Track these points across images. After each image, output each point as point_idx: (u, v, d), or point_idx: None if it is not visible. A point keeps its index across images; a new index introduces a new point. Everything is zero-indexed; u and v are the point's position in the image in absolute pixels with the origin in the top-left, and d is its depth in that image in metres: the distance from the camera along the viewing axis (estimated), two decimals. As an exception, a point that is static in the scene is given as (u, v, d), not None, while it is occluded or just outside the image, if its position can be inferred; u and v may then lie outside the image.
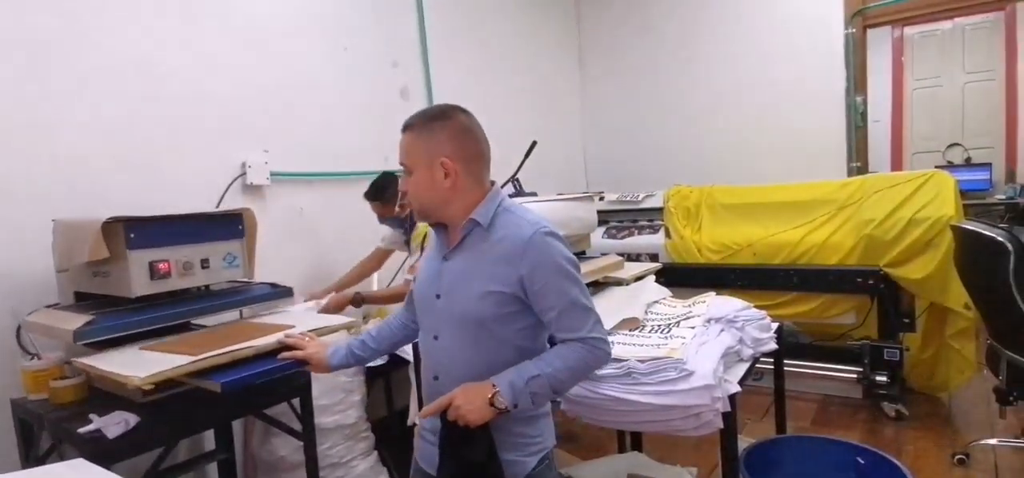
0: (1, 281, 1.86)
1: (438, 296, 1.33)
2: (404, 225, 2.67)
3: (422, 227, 2.54)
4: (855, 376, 3.30)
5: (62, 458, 1.62)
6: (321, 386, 2.27)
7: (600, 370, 1.68)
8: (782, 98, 4.32)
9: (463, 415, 1.21)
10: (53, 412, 1.63)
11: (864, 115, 4.18)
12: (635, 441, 2.62)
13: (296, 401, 1.93)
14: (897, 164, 6.10)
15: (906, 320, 3.21)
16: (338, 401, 2.35)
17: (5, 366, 1.82)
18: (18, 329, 1.82)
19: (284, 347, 1.63)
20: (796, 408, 3.23)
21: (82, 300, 1.87)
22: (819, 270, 3.34)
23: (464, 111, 1.35)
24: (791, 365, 3.42)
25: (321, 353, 1.56)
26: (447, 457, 1.28)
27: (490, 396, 1.21)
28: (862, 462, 1.75)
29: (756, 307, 2.09)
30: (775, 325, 2.11)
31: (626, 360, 1.66)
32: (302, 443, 1.94)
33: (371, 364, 2.44)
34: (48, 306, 1.87)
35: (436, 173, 1.28)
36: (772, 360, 2.18)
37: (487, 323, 1.28)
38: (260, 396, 1.86)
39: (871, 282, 3.16)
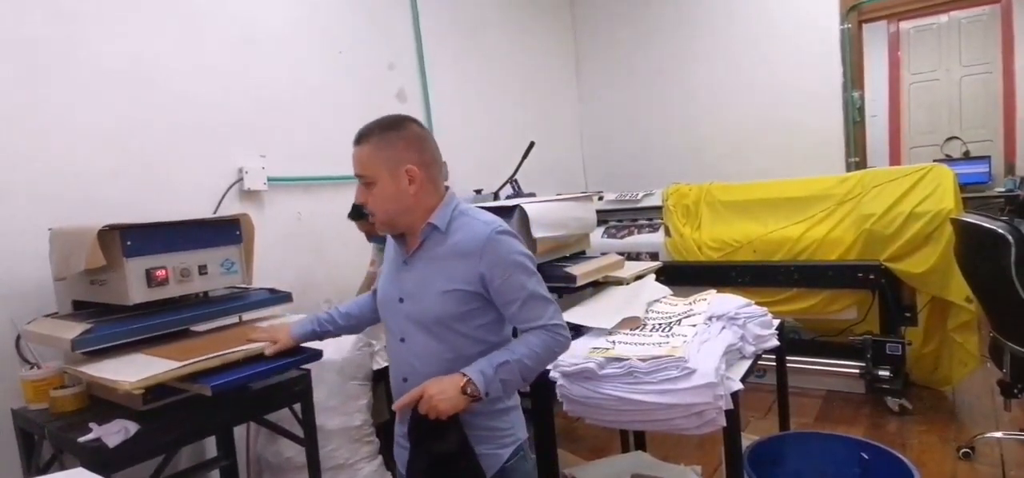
0: (0, 290, 1.85)
1: (401, 299, 1.37)
2: None
3: None
4: (858, 371, 3.30)
5: (64, 467, 1.61)
6: (326, 389, 2.26)
7: (602, 370, 1.67)
8: (779, 95, 4.32)
9: (435, 406, 1.22)
10: (53, 421, 1.62)
11: (862, 110, 4.18)
12: (638, 440, 2.61)
13: (297, 406, 1.93)
14: (896, 158, 6.10)
15: (908, 314, 3.21)
16: (343, 404, 2.34)
17: (5, 375, 1.81)
18: (17, 338, 1.82)
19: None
20: (799, 404, 3.22)
21: (80, 308, 1.86)
22: (819, 266, 3.34)
23: (415, 120, 1.39)
24: (793, 361, 3.41)
25: (283, 331, 1.64)
26: (418, 452, 1.28)
27: (462, 385, 1.24)
28: (866, 457, 1.74)
29: (757, 304, 2.08)
30: (776, 321, 2.11)
31: (627, 359, 1.66)
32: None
33: (375, 367, 2.46)
34: (47, 315, 1.86)
35: (401, 182, 1.31)
36: (774, 357, 2.17)
37: (450, 321, 1.32)
38: (261, 401, 1.86)
39: (872, 277, 3.16)
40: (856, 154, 4.20)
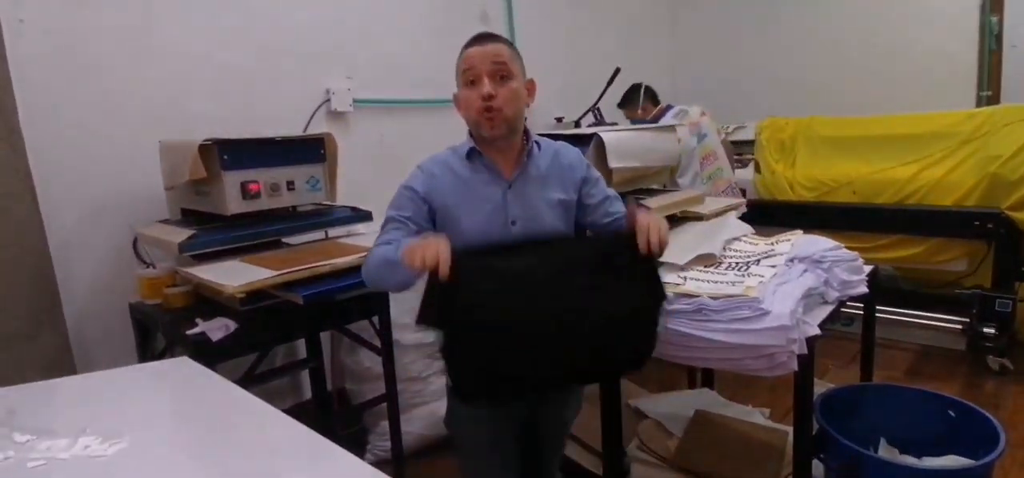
0: (120, 196, 2.06)
1: (513, 223, 1.36)
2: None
3: None
4: (960, 327, 3.05)
5: (174, 357, 1.82)
6: (402, 306, 2.38)
7: (670, 305, 1.64)
8: (903, 16, 3.87)
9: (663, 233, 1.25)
10: (166, 316, 1.83)
11: (999, 37, 3.68)
12: (706, 378, 2.58)
13: (376, 319, 2.05)
14: (1039, 94, 5.36)
15: (1026, 269, 2.91)
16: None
17: (124, 273, 2.04)
18: (135, 240, 2.03)
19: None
20: (891, 357, 3.05)
21: (187, 215, 2.05)
22: (929, 211, 3.07)
23: None
24: (889, 312, 3.22)
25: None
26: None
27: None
28: (952, 414, 1.63)
29: (853, 249, 1.95)
30: (868, 268, 1.97)
31: (698, 296, 1.62)
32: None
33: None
34: (159, 220, 2.06)
35: (523, 90, 1.35)
36: (863, 305, 2.05)
37: (561, 231, 1.41)
38: (344, 312, 1.99)
39: (990, 226, 2.87)
40: (989, 87, 3.73)
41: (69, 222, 1.96)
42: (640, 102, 3.25)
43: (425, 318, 1.16)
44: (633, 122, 3.31)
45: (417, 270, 1.13)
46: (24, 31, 1.85)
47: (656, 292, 1.33)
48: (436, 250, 1.11)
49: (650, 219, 1.25)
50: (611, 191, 1.52)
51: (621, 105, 3.32)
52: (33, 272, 1.74)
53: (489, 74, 1.30)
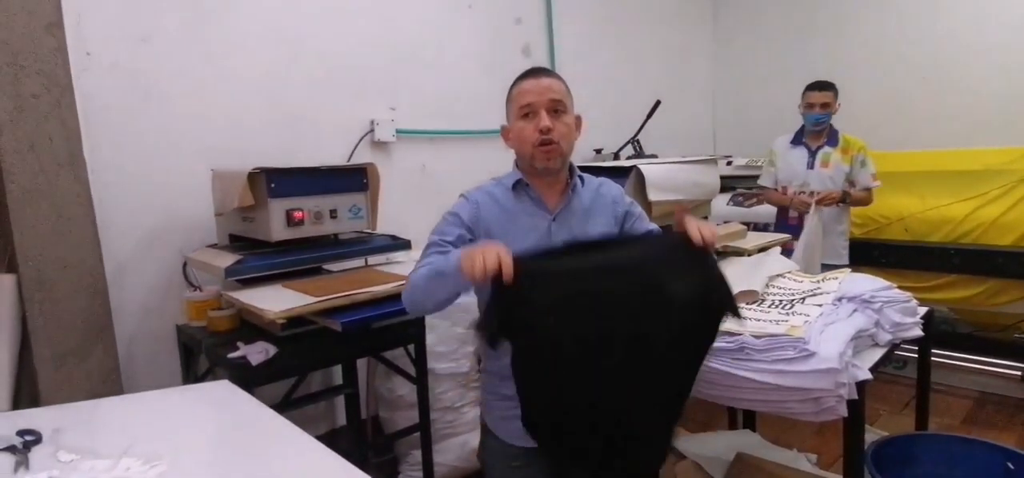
0: (172, 222, 2.14)
1: None
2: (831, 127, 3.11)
3: (858, 141, 3.03)
4: (1019, 373, 2.89)
5: (216, 379, 1.86)
6: (437, 335, 2.39)
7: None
8: (954, 49, 3.74)
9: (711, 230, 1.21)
10: (209, 338, 1.88)
11: (1059, 71, 3.52)
12: (747, 419, 2.49)
13: (411, 347, 2.06)
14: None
15: (1096, 314, 2.74)
16: (453, 350, 2.46)
17: (174, 295, 2.11)
18: (184, 264, 2.10)
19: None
20: (946, 403, 2.90)
21: (234, 241, 2.11)
22: (988, 251, 2.94)
23: None
24: (944, 356, 3.07)
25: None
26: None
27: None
28: (1012, 468, 1.53)
29: (904, 289, 1.87)
30: (923, 310, 1.89)
31: (739, 334, 1.57)
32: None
33: (483, 317, 2.55)
34: (208, 246, 2.13)
35: (573, 125, 1.38)
36: (917, 348, 1.95)
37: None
38: (380, 339, 2.01)
39: (1053, 268, 2.72)
40: (1052, 123, 3.56)
41: (125, 245, 2.05)
42: (836, 94, 3.09)
43: (487, 327, 1.13)
44: (810, 114, 3.10)
45: (476, 276, 1.07)
46: (90, 64, 1.96)
47: (721, 290, 1.25)
48: (496, 253, 1.08)
49: (696, 219, 1.25)
50: (654, 226, 1.50)
51: (814, 88, 3.09)
52: (89, 293, 1.81)
53: (546, 108, 1.32)
